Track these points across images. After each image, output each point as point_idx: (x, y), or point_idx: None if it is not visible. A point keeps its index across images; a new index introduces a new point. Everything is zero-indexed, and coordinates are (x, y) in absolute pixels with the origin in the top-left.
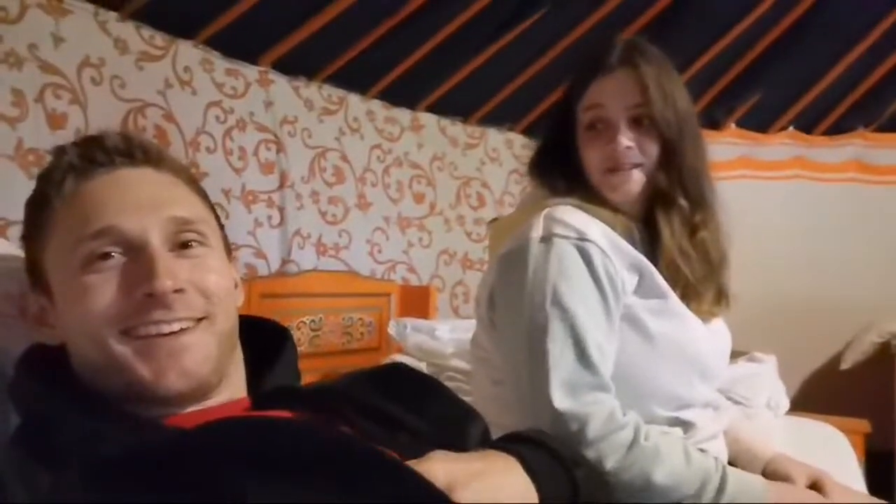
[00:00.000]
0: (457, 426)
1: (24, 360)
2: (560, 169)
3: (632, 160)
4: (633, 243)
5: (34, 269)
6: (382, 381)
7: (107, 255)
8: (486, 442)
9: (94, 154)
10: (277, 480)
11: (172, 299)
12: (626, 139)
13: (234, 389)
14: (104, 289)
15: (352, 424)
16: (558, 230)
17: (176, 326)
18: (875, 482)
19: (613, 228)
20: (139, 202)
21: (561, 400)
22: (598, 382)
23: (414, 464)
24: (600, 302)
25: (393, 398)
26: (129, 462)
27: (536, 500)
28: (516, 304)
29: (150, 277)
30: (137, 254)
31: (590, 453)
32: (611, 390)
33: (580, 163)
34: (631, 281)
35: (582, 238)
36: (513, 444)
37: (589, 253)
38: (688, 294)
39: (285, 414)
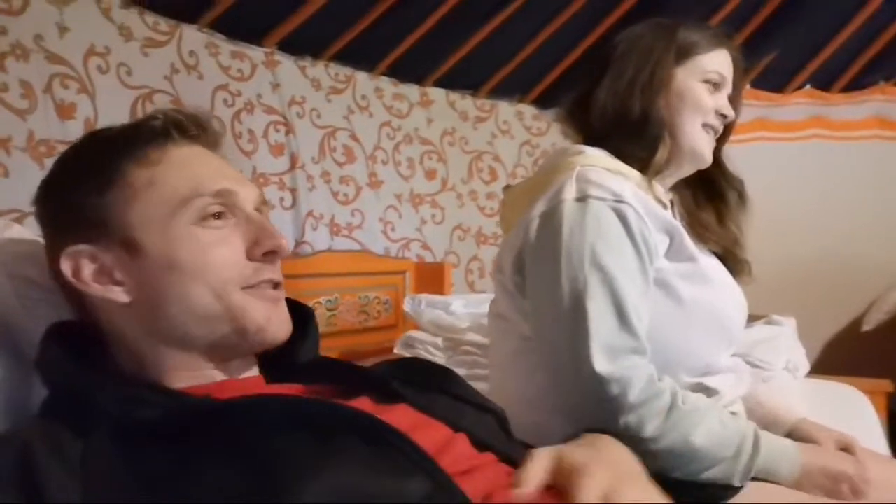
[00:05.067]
0: (479, 406)
1: (49, 335)
2: (604, 117)
3: (722, 125)
4: (663, 206)
5: (98, 224)
6: (405, 366)
7: (219, 214)
8: (506, 429)
9: (185, 125)
10: (309, 456)
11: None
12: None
13: (252, 362)
14: (228, 243)
15: (385, 395)
16: (594, 191)
17: (278, 283)
18: None
19: (646, 192)
20: (237, 175)
21: (601, 363)
22: (637, 346)
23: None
24: (637, 264)
25: (417, 378)
26: (162, 424)
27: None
28: (552, 265)
29: (274, 235)
30: (244, 218)
31: (630, 418)
32: (647, 354)
33: (643, 114)
34: (663, 243)
35: (618, 200)
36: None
37: (625, 215)
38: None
39: (322, 389)
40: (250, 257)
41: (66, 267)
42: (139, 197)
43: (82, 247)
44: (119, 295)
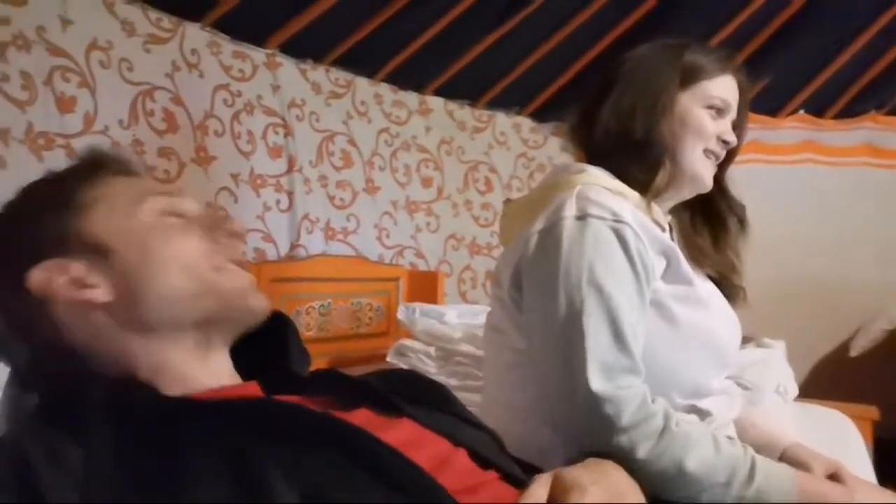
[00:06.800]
0: (476, 424)
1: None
2: (606, 139)
3: (724, 151)
4: (661, 228)
5: (58, 243)
6: (401, 379)
7: (174, 214)
8: (503, 448)
9: (115, 161)
10: (288, 461)
11: None
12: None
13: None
14: (189, 230)
15: (387, 408)
16: (593, 210)
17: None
18: (883, 468)
19: (645, 213)
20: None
21: (597, 381)
22: (632, 365)
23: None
24: (634, 284)
25: (414, 391)
26: (156, 420)
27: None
28: (550, 282)
29: (232, 219)
30: (194, 216)
31: (622, 440)
32: (642, 374)
33: (644, 137)
34: (660, 265)
35: (617, 220)
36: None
37: (624, 235)
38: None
39: (313, 401)
40: (211, 241)
41: (37, 282)
42: (95, 208)
43: (47, 262)
44: (98, 295)
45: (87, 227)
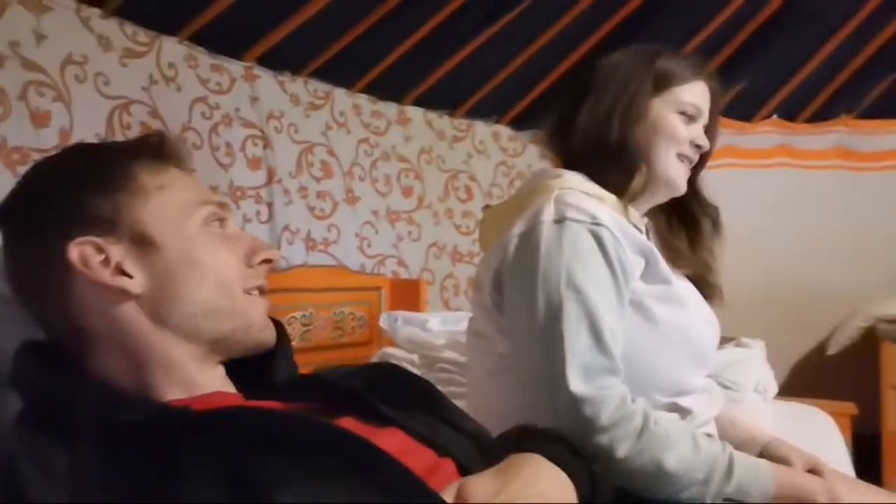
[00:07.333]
0: (458, 427)
1: (23, 351)
2: (583, 144)
3: (697, 155)
4: (638, 230)
5: (105, 220)
6: (384, 377)
7: (222, 222)
8: (485, 450)
9: (178, 152)
10: (286, 466)
11: None
12: (704, 141)
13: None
14: (230, 247)
15: (371, 416)
16: (571, 214)
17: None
18: (861, 463)
19: (622, 216)
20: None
21: (577, 383)
22: (612, 366)
23: (448, 489)
24: (612, 286)
25: (397, 392)
26: (144, 430)
27: (574, 492)
28: (529, 285)
29: (269, 246)
30: (233, 231)
31: (602, 440)
32: (621, 374)
33: (620, 142)
34: (638, 265)
35: (595, 223)
36: (531, 441)
37: (602, 237)
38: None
39: (297, 406)
40: (247, 264)
41: (74, 256)
42: (151, 197)
43: (89, 238)
44: (131, 286)
45: (140, 214)
